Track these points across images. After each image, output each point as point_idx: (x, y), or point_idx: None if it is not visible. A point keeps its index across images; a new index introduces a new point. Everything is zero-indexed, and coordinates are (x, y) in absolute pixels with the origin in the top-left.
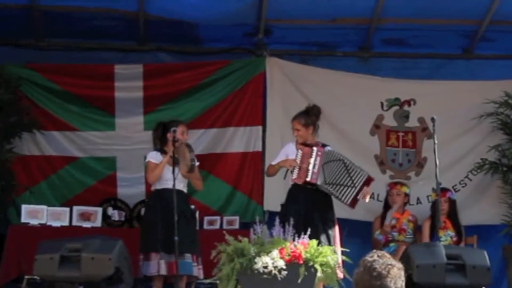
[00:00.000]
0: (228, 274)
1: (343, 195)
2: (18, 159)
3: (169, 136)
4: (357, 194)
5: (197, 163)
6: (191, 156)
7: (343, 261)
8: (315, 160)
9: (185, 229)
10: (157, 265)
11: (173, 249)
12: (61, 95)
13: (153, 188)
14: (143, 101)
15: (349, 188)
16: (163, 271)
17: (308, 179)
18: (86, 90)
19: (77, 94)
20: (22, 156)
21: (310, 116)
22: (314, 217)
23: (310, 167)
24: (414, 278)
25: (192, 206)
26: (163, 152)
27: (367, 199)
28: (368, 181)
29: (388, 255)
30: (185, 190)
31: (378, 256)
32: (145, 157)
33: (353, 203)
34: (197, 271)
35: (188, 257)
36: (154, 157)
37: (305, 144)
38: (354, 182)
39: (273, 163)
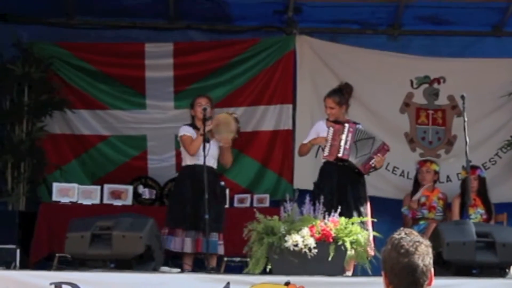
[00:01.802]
0: (258, 252)
1: (359, 162)
2: (49, 138)
3: (199, 114)
4: (369, 159)
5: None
6: (237, 126)
7: (375, 238)
8: (347, 136)
9: (213, 207)
10: (182, 242)
11: (200, 227)
12: (92, 74)
13: (183, 163)
14: (173, 80)
15: (365, 156)
16: (188, 248)
17: (340, 155)
18: (116, 69)
19: (108, 73)
20: (53, 134)
21: (343, 94)
22: (346, 194)
23: (342, 143)
24: (444, 256)
25: (222, 183)
26: (194, 127)
27: (379, 166)
28: (382, 149)
29: (415, 233)
30: (215, 166)
31: (405, 233)
32: (176, 136)
33: (364, 168)
34: (221, 248)
35: (214, 235)
36: (188, 130)
37: (336, 122)
38: (371, 150)
39: (305, 141)
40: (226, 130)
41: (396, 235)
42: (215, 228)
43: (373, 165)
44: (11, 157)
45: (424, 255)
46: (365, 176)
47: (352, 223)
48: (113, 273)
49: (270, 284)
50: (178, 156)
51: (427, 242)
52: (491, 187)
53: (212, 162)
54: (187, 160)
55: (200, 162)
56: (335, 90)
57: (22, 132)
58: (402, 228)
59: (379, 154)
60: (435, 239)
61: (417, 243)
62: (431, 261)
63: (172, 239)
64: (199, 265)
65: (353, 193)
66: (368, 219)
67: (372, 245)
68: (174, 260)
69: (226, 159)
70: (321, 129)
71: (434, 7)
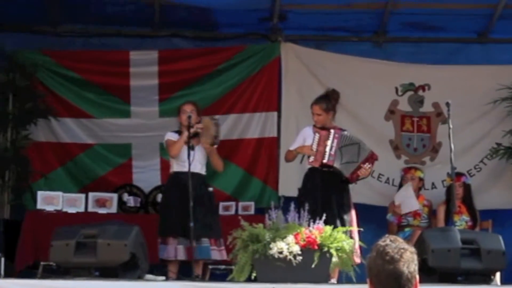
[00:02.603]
0: (243, 260)
1: (345, 170)
2: (33, 146)
3: (184, 121)
4: (358, 169)
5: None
6: (216, 130)
7: (361, 247)
8: (332, 142)
9: (202, 213)
10: (174, 250)
11: (189, 234)
12: (76, 82)
13: (171, 170)
14: (158, 88)
15: (353, 164)
16: (181, 256)
17: (325, 161)
18: (101, 77)
19: (92, 81)
20: (38, 142)
21: (330, 100)
22: (331, 200)
23: (327, 149)
24: (429, 263)
25: (210, 189)
26: (180, 134)
27: (367, 174)
28: (370, 158)
29: (400, 240)
30: (203, 172)
31: (390, 240)
32: (160, 144)
33: (352, 177)
34: (218, 253)
35: (205, 241)
36: (172, 135)
37: (323, 128)
38: (359, 158)
39: (291, 148)
40: (206, 135)
41: (381, 242)
42: (205, 234)
43: (360, 174)
44: None
45: (409, 262)
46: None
47: (338, 231)
48: (98, 281)
49: None
50: (163, 164)
51: (412, 249)
52: (476, 194)
53: (199, 168)
54: (174, 167)
55: (186, 169)
56: (322, 96)
57: (6, 141)
58: (387, 235)
59: (367, 164)
60: (420, 246)
61: (402, 250)
62: (416, 268)
63: (165, 248)
64: (186, 273)
65: (337, 200)
66: (354, 228)
67: (358, 252)
68: (161, 268)
69: (215, 163)
70: (308, 135)
71: (419, 14)
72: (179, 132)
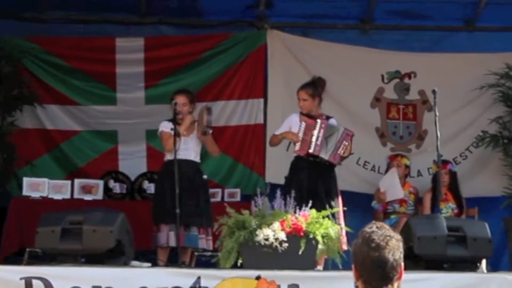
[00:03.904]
0: (229, 247)
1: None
2: (19, 132)
3: (171, 108)
4: (337, 149)
5: (210, 130)
6: (208, 119)
7: (347, 233)
8: (319, 132)
9: (194, 201)
10: (167, 236)
11: (180, 221)
12: (62, 69)
13: (165, 158)
14: (144, 75)
15: (333, 147)
16: (173, 242)
17: (311, 150)
18: (87, 64)
19: (79, 68)
20: (24, 129)
21: (316, 87)
22: (317, 189)
23: (313, 139)
24: (415, 250)
25: (205, 176)
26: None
27: (348, 152)
28: (346, 135)
29: (387, 227)
30: (197, 159)
31: (376, 227)
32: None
33: (334, 158)
34: (205, 243)
35: (194, 229)
36: (166, 126)
37: (308, 116)
38: (337, 141)
39: (277, 133)
40: (199, 123)
41: (367, 229)
42: (194, 222)
43: (341, 153)
44: None
45: (395, 249)
46: (336, 170)
47: (323, 217)
48: (83, 268)
49: (241, 278)
50: (150, 151)
51: (398, 237)
52: (462, 182)
53: (193, 156)
54: (167, 155)
55: (180, 156)
56: (308, 83)
57: None
58: (373, 222)
59: (344, 142)
60: (406, 233)
61: (388, 238)
62: (402, 256)
63: (158, 236)
64: (175, 260)
65: (324, 188)
66: (339, 209)
67: (345, 239)
68: (145, 255)
69: (210, 150)
70: (294, 122)
71: (406, 1)
72: (173, 120)
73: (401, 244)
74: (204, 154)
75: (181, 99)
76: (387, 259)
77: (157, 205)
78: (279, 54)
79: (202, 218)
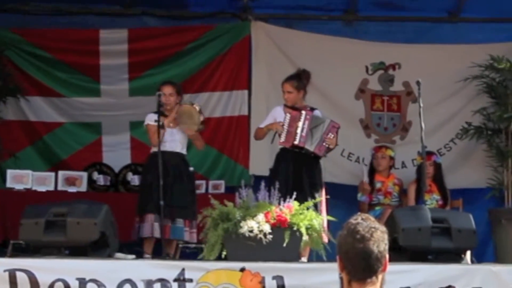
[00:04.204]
0: (213, 239)
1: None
2: (2, 124)
3: (156, 100)
4: (322, 141)
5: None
6: (200, 118)
7: (329, 224)
8: (304, 124)
9: (180, 193)
10: (151, 227)
11: (165, 213)
12: (45, 60)
13: (151, 150)
14: (128, 66)
15: (318, 139)
16: (157, 233)
17: (296, 142)
18: (71, 56)
19: (62, 60)
20: (7, 121)
21: (301, 79)
22: (302, 180)
23: (298, 130)
24: (399, 242)
25: (191, 169)
26: (161, 114)
27: (334, 144)
28: (332, 127)
29: (372, 218)
30: (183, 151)
31: (362, 219)
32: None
33: (319, 150)
34: (189, 235)
35: (179, 222)
36: (151, 118)
37: (293, 108)
38: (323, 132)
39: (261, 126)
40: (190, 122)
41: (352, 220)
42: (180, 214)
43: (326, 146)
44: None
45: (379, 241)
46: (321, 162)
47: (307, 208)
48: (67, 260)
49: (225, 270)
50: (134, 143)
51: (383, 228)
52: (447, 173)
53: (180, 148)
54: (154, 147)
55: (166, 148)
56: (293, 75)
57: None
58: (359, 213)
59: (330, 134)
60: (391, 224)
61: (373, 229)
62: (387, 247)
63: (143, 226)
64: (160, 252)
65: (309, 180)
66: (322, 199)
67: (326, 230)
68: (137, 246)
69: (197, 144)
70: (278, 115)
71: None
72: (158, 113)
73: (386, 236)
74: (188, 146)
75: (168, 90)
76: (371, 250)
77: (142, 196)
78: (263, 46)
79: (187, 210)
